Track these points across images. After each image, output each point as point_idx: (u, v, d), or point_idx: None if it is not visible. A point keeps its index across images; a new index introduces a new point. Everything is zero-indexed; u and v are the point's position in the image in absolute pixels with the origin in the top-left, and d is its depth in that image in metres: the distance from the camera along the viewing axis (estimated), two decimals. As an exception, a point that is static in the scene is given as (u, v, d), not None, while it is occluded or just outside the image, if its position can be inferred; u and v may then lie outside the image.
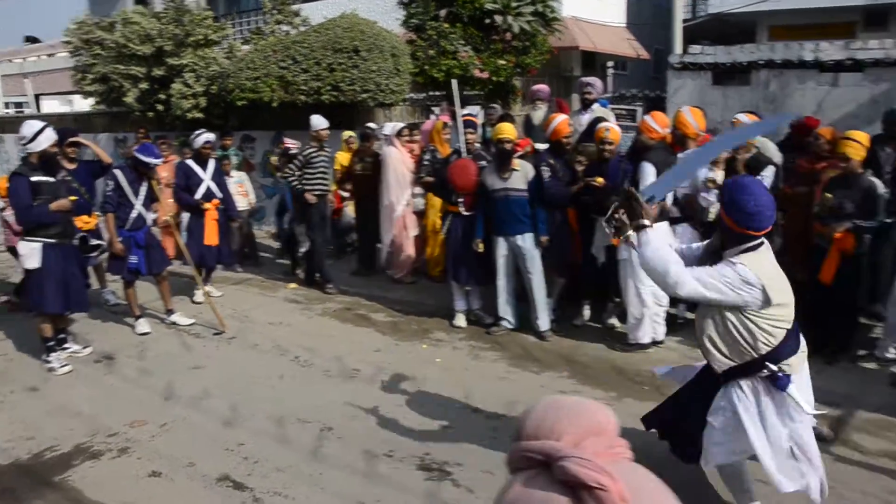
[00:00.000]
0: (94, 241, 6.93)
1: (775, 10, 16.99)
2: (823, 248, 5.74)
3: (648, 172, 5.73)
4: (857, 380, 5.53)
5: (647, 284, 5.93)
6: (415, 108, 12.93)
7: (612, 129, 6.29)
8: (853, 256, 5.64)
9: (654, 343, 6.23)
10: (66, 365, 6.23)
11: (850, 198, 5.60)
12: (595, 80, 7.94)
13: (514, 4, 12.02)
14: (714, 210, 6.08)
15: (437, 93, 11.65)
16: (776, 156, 6.59)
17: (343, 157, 9.50)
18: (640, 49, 20.62)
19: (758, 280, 3.13)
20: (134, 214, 6.95)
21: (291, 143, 8.93)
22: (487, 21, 12.10)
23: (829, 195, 5.70)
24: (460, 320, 7.04)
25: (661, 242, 3.41)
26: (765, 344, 3.22)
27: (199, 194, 7.85)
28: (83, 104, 19.92)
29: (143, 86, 12.41)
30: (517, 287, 6.74)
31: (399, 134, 8.50)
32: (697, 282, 3.20)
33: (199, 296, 8.08)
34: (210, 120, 12.00)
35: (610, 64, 21.01)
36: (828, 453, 4.41)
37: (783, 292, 3.22)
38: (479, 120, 8.16)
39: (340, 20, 11.13)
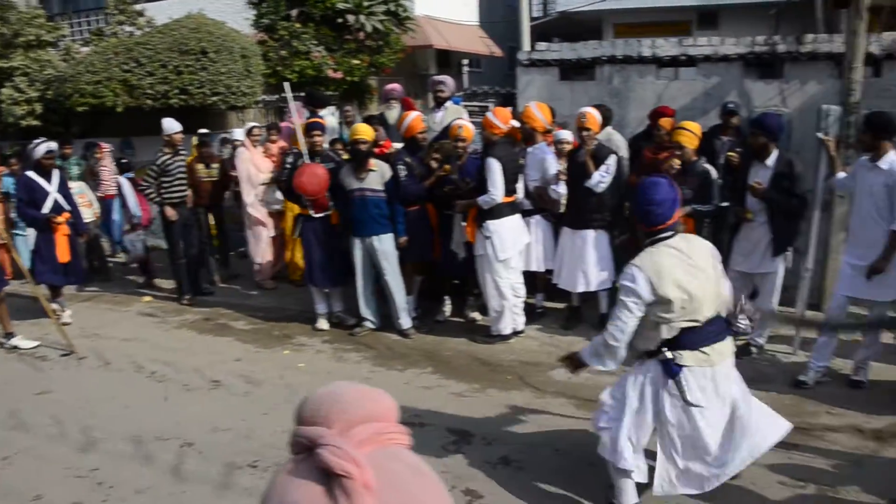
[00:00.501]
0: None
1: (618, 9, 17.84)
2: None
3: (494, 169, 5.88)
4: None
5: (503, 277, 6.10)
6: (268, 110, 12.64)
7: (466, 126, 6.38)
8: (694, 239, 5.99)
9: (515, 333, 6.38)
10: None
11: (687, 184, 5.95)
12: (446, 79, 8.02)
13: (366, 4, 12.02)
14: (564, 202, 6.32)
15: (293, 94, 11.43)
16: (622, 147, 6.92)
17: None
18: (494, 47, 21.08)
19: (644, 277, 3.32)
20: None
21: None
22: (340, 20, 12.03)
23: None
24: (322, 323, 6.96)
25: None
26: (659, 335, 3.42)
27: (46, 208, 7.27)
28: None
29: (-31, 90, 11.50)
30: (378, 287, 6.73)
31: (249, 133, 8.29)
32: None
33: (65, 316, 7.56)
34: (48, 127, 11.25)
35: (465, 62, 21.35)
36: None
37: (678, 289, 3.31)
38: (335, 121, 8.07)
39: (187, 20, 10.73)
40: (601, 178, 6.16)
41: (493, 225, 6.03)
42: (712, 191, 5.95)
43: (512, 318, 6.30)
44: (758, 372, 5.41)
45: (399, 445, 1.09)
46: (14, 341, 6.87)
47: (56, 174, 7.43)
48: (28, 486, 4.33)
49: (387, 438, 1.07)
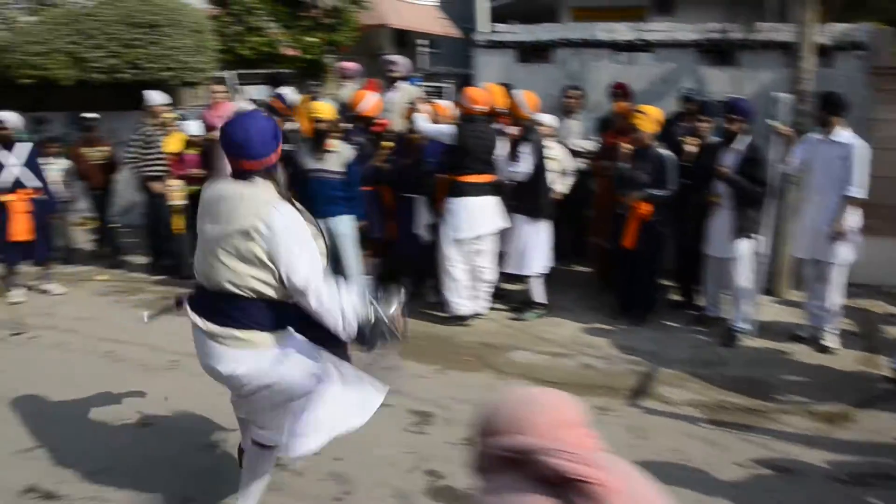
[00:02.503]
0: None
1: (576, -7, 17.95)
2: (625, 216, 6.16)
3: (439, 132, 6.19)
4: (661, 337, 6.02)
5: (452, 257, 6.14)
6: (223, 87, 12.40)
7: (438, 105, 6.51)
8: (650, 223, 6.09)
9: (475, 315, 6.41)
10: None
11: (643, 169, 6.05)
12: (398, 58, 7.99)
13: (322, -20, 11.88)
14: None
15: (247, 71, 11.25)
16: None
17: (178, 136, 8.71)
18: (451, 27, 21.01)
19: None
20: None
21: None
22: (295, -3, 11.87)
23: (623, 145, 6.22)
24: None
25: None
26: None
27: (2, 183, 7.02)
28: None
29: None
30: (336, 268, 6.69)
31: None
32: None
33: (17, 294, 7.35)
34: (-8, 99, 10.87)
35: (421, 42, 21.25)
36: (637, 406, 4.80)
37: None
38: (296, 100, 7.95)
39: (136, -7, 10.46)
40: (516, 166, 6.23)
41: (452, 202, 6.05)
42: (667, 175, 6.05)
43: (462, 298, 6.29)
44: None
45: (600, 451, 1.04)
46: (-39, 319, 6.67)
47: (19, 147, 7.18)
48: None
49: (592, 441, 1.03)
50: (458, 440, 4.36)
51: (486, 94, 6.30)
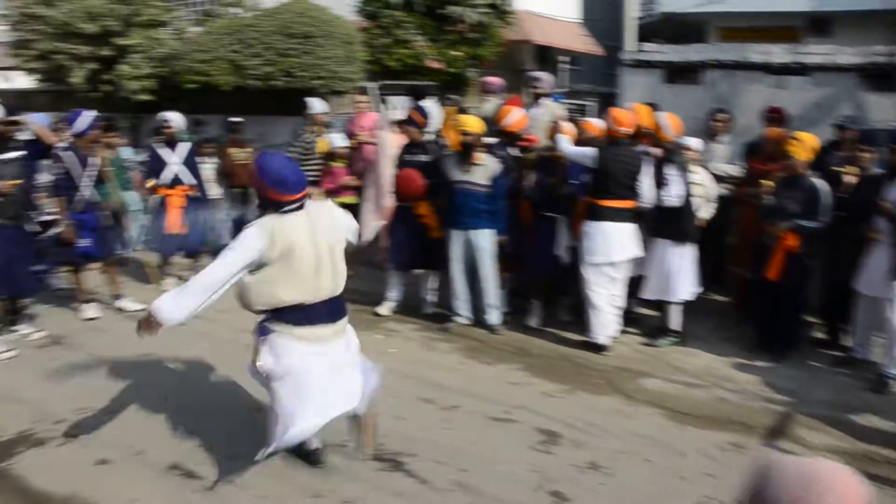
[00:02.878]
0: (46, 217, 6.58)
1: (725, 12, 17.37)
2: (770, 246, 5.90)
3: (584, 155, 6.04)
4: (802, 377, 5.72)
5: (592, 283, 5.99)
6: (370, 96, 12.82)
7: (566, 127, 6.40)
8: (797, 256, 5.80)
9: (611, 339, 6.25)
10: (10, 349, 6.05)
11: (793, 198, 5.77)
12: (543, 75, 7.97)
13: (469, -4, 12.07)
14: None
15: (391, 82, 11.58)
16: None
17: (325, 145, 9.02)
18: (594, 45, 20.83)
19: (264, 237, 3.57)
20: (83, 196, 6.77)
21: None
22: (442, 11, 12.10)
23: (766, 182, 5.90)
24: (383, 309, 7.07)
25: None
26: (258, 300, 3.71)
27: (164, 179, 7.60)
28: (24, 81, 19.21)
29: (91, 65, 12.02)
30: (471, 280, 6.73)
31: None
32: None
33: (169, 283, 7.86)
34: (160, 103, 11.72)
35: (563, 59, 21.17)
36: (773, 447, 4.58)
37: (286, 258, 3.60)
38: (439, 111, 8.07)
39: (293, 5, 11.01)
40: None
41: (590, 225, 5.96)
42: (819, 207, 5.73)
43: (602, 327, 6.12)
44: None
45: None
46: (122, 303, 7.21)
47: (181, 146, 7.73)
48: (132, 441, 4.55)
49: None
50: (584, 464, 4.30)
51: (631, 115, 6.15)
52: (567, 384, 5.51)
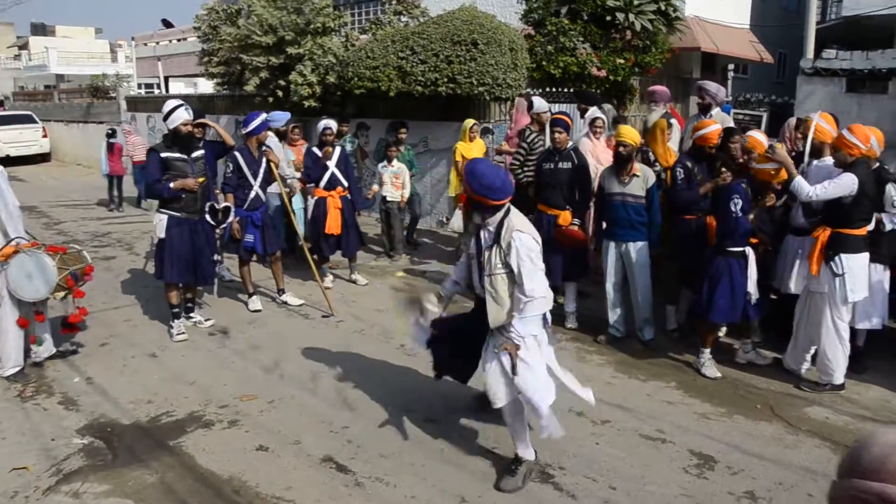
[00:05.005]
0: (222, 205, 6.93)
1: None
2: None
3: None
4: None
5: (846, 321, 5.38)
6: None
7: (754, 137, 5.85)
8: None
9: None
10: (182, 334, 6.49)
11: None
12: (713, 85, 7.53)
13: (636, 2, 11.74)
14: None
15: (554, 89, 11.46)
16: None
17: (465, 148, 9.07)
18: (764, 52, 19.78)
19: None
20: (252, 195, 7.17)
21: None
22: (608, 18, 11.87)
23: None
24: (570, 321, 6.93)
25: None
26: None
27: (323, 181, 7.91)
28: (206, 86, 20.71)
29: (264, 74, 12.72)
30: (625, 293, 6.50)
31: (592, 124, 7.60)
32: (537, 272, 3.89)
33: (327, 281, 8.18)
34: (327, 107, 12.24)
35: (730, 67, 20.23)
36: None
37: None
38: (608, 119, 7.92)
39: (460, 13, 11.12)
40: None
41: (847, 260, 5.24)
42: None
43: (840, 365, 5.48)
44: None
45: None
46: (284, 297, 7.56)
47: (337, 150, 8.01)
48: (289, 430, 4.75)
49: None
50: (742, 493, 4.05)
51: (867, 132, 5.23)
52: (724, 406, 5.20)
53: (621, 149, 6.10)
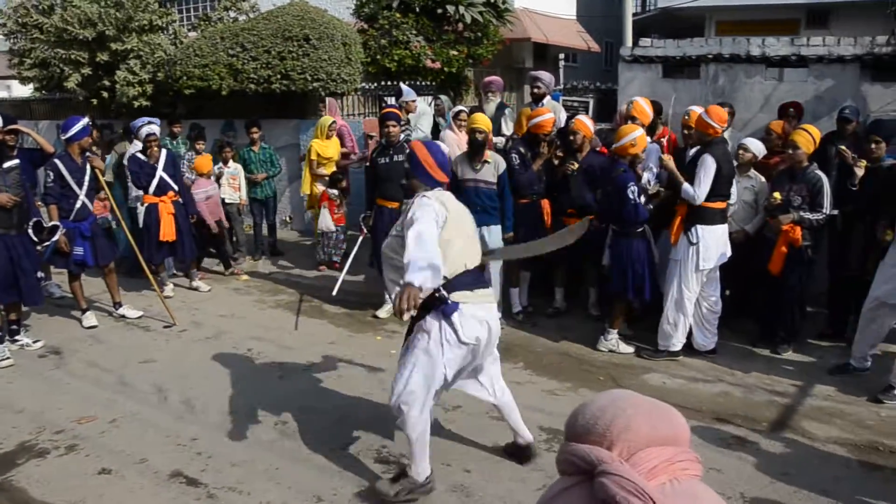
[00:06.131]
0: (49, 224, 6.48)
1: (723, 6, 17.32)
2: (772, 239, 5.86)
3: (709, 166, 5.57)
4: (806, 369, 5.67)
5: (692, 290, 5.75)
6: (367, 97, 12.81)
7: (580, 121, 6.49)
8: (800, 248, 5.76)
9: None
10: (6, 359, 6.03)
11: (797, 191, 5.73)
12: (544, 74, 7.91)
13: (466, -5, 12.04)
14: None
15: (390, 82, 11.54)
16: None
17: (320, 146, 8.86)
18: (591, 42, 20.79)
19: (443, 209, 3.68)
20: (78, 205, 6.73)
21: None
22: (439, 11, 12.07)
23: (777, 195, 5.80)
24: (383, 312, 7.03)
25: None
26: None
27: (152, 187, 7.54)
28: (22, 90, 19.24)
29: (86, 71, 11.96)
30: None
31: (456, 117, 7.65)
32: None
33: (167, 290, 7.89)
34: (157, 108, 11.69)
35: (561, 56, 21.12)
36: (778, 440, 4.54)
37: (458, 229, 3.74)
38: (430, 111, 8.07)
39: (290, 8, 10.94)
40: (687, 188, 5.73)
41: (702, 230, 5.66)
42: (822, 199, 5.69)
43: (683, 334, 5.90)
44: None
45: (693, 477, 0.94)
46: (122, 310, 7.20)
47: (164, 154, 7.66)
48: (133, 449, 4.54)
49: (680, 468, 0.92)
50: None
51: (724, 114, 5.74)
52: (569, 382, 5.48)
53: (477, 135, 6.29)
